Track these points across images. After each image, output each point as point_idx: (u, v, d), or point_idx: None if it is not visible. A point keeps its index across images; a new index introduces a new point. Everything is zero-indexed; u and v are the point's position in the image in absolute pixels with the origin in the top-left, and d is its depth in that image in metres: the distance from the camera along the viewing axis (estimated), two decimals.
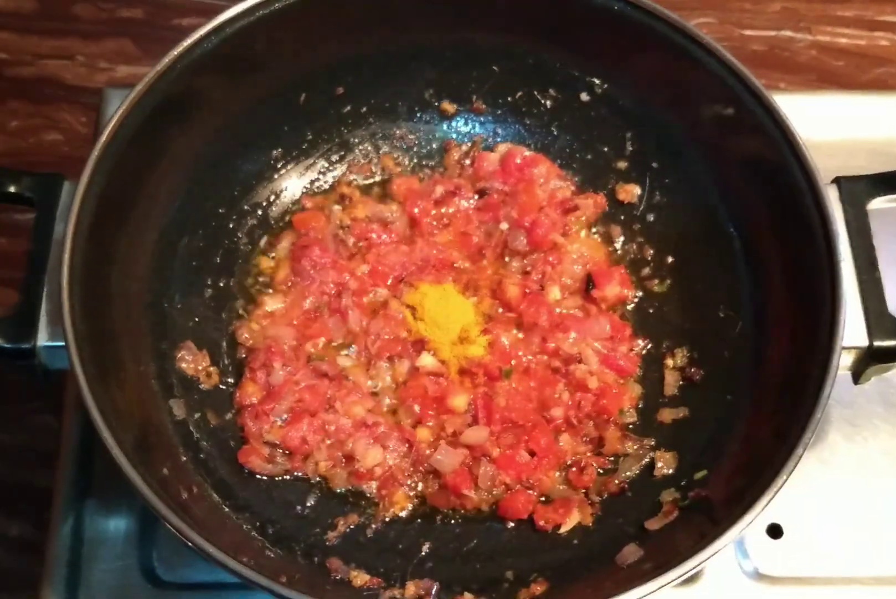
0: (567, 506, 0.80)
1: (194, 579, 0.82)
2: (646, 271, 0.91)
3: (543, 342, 0.86)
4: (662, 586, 0.65)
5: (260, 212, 0.92)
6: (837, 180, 0.80)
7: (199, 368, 0.84)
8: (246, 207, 0.91)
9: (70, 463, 0.86)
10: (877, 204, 0.80)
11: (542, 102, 0.93)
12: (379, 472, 0.82)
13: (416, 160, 0.97)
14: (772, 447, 0.70)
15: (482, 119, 0.96)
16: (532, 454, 0.82)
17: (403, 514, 0.82)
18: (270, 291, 0.89)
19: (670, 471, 0.81)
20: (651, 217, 0.92)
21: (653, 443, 0.84)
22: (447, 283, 0.89)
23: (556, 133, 0.95)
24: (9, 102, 1.14)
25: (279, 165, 0.93)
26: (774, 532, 0.86)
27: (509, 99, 0.94)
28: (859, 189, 0.80)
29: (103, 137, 0.73)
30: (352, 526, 0.80)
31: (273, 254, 0.91)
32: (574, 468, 0.83)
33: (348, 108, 0.93)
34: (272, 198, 0.93)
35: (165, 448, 0.78)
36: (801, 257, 0.77)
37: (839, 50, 1.19)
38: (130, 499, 0.83)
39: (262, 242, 0.91)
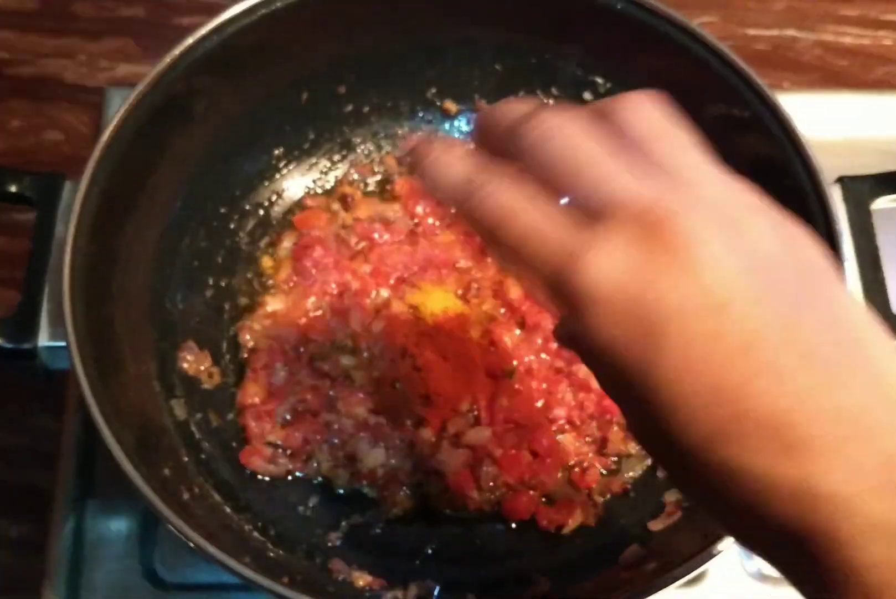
0: (570, 507, 0.80)
1: (196, 579, 0.82)
2: None
3: (546, 343, 0.86)
4: (666, 586, 0.65)
5: (262, 212, 0.92)
6: (841, 180, 0.80)
7: (201, 368, 0.84)
8: (247, 207, 0.91)
9: (71, 464, 0.86)
10: (881, 203, 0.80)
11: (545, 101, 0.93)
12: (381, 473, 0.81)
13: None
14: None
15: None
16: (535, 454, 0.82)
17: (405, 515, 0.81)
18: (272, 291, 0.89)
19: None
20: None
21: None
22: (445, 287, 0.89)
23: None
24: (9, 101, 1.14)
25: (281, 165, 0.93)
26: None
27: (512, 98, 0.94)
28: (863, 188, 0.80)
29: (105, 137, 0.73)
30: (354, 527, 0.80)
31: (275, 254, 0.91)
32: (577, 469, 0.83)
33: (350, 107, 0.93)
34: (274, 198, 0.93)
35: (167, 449, 0.78)
36: None
37: (843, 49, 1.18)
38: (132, 500, 0.82)
39: (264, 241, 0.91)
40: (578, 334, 0.38)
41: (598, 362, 0.39)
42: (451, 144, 0.45)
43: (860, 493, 0.34)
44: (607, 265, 0.36)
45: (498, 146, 0.43)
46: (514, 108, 0.44)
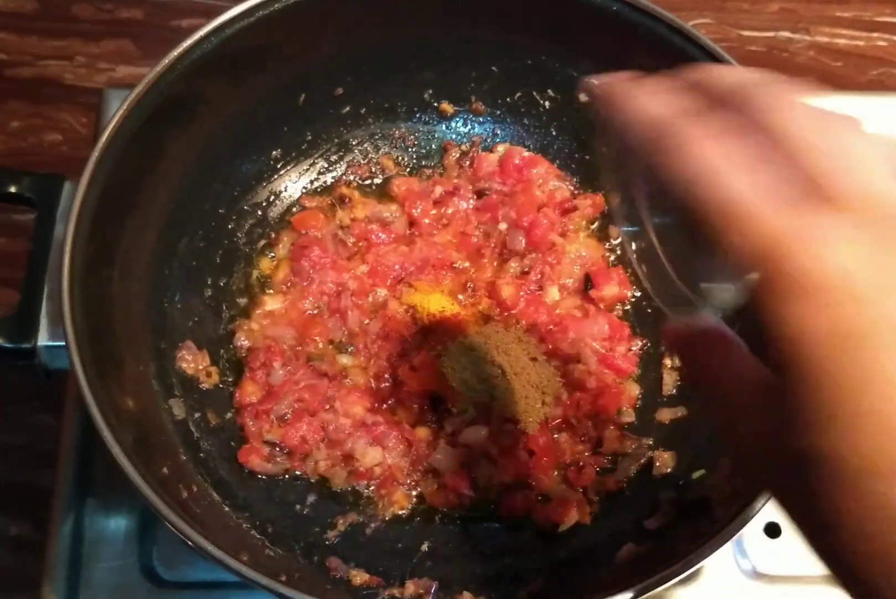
0: (565, 505, 0.81)
1: (194, 578, 0.82)
2: None
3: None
4: (661, 585, 0.65)
5: (259, 212, 0.92)
6: None
7: (199, 367, 0.84)
8: (245, 208, 0.92)
9: (70, 463, 0.86)
10: None
11: (541, 102, 0.94)
12: (378, 471, 0.82)
13: (415, 161, 0.97)
14: None
15: (481, 120, 0.97)
16: (530, 453, 0.82)
17: (402, 513, 0.82)
18: (270, 291, 0.89)
19: (668, 470, 0.81)
20: None
21: (651, 443, 0.84)
22: (442, 288, 0.89)
23: (554, 134, 0.95)
24: (8, 102, 1.14)
25: (279, 166, 0.93)
26: (772, 531, 0.86)
27: (508, 100, 0.94)
28: None
29: (104, 138, 0.73)
30: (351, 525, 0.81)
31: (273, 254, 0.91)
32: (572, 468, 0.83)
33: (347, 108, 0.94)
34: (271, 198, 0.93)
35: (165, 448, 0.78)
36: None
37: (837, 51, 1.19)
38: (130, 498, 0.83)
39: (262, 242, 0.92)
40: (773, 316, 0.35)
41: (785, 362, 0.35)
42: (659, 80, 0.41)
43: None
44: (844, 254, 0.32)
45: (702, 103, 0.39)
46: (737, 72, 0.41)
